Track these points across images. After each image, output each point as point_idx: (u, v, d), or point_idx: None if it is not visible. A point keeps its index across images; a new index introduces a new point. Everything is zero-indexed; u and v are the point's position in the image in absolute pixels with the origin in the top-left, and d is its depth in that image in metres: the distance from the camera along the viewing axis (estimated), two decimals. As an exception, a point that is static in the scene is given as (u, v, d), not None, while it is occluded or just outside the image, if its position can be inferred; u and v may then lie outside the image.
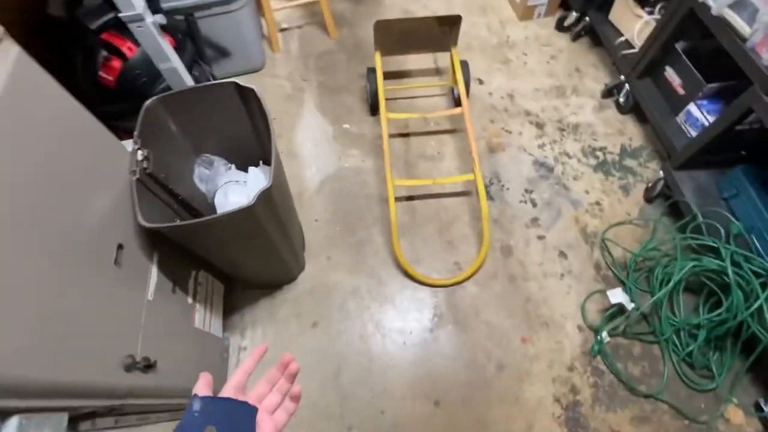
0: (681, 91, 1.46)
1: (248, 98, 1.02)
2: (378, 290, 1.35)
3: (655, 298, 1.20)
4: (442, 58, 1.90)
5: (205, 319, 1.11)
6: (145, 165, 0.87)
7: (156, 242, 0.92)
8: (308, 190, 1.56)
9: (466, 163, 1.60)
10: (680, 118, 1.47)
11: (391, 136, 1.68)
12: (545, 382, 1.20)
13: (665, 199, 1.47)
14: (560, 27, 1.97)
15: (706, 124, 1.36)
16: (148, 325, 0.83)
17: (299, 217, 1.49)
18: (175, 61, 1.08)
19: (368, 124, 1.73)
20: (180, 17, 1.41)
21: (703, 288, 1.23)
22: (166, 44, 1.05)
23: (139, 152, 0.87)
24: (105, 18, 1.27)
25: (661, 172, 1.43)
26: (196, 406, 0.43)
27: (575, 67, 1.87)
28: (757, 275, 1.10)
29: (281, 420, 0.48)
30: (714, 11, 1.19)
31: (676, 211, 1.42)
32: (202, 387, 0.45)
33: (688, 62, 1.40)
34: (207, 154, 1.17)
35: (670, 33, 1.42)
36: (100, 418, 0.76)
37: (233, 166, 1.17)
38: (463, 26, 1.99)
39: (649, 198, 1.49)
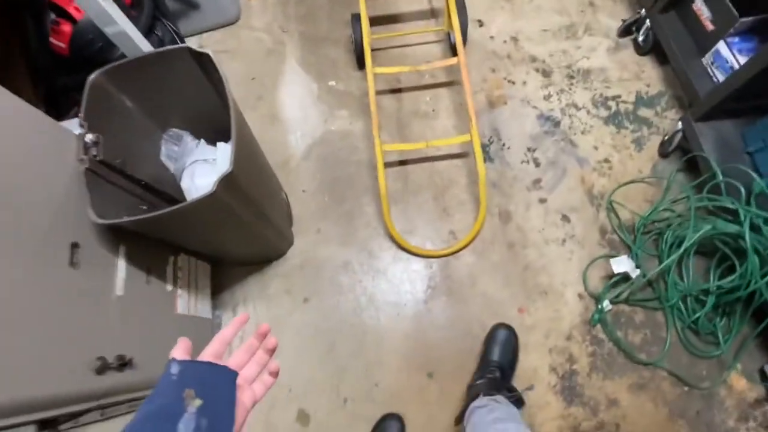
0: (710, 27, 1.26)
1: (206, 64, 0.90)
2: (370, 263, 1.30)
3: (662, 265, 1.13)
4: (438, -3, 1.69)
5: (189, 304, 1.08)
6: (94, 152, 0.78)
7: (121, 234, 0.86)
8: (294, 158, 1.47)
9: (464, 120, 1.46)
10: (707, 59, 1.29)
11: (381, 92, 1.54)
12: (542, 353, 1.18)
13: (683, 153, 1.34)
14: (574, -49, 1.70)
15: (736, 66, 1.19)
16: (119, 322, 0.80)
17: (285, 188, 1.41)
18: (124, 24, 0.95)
19: (356, 79, 1.58)
20: (131, -34, 1.24)
21: (716, 252, 1.15)
22: (110, 3, 0.91)
23: (88, 136, 0.79)
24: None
25: (679, 123, 1.28)
26: (174, 369, 0.41)
27: (589, 0, 1.64)
28: (778, 239, 1.01)
29: (259, 392, 0.47)
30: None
31: (693, 167, 1.29)
32: (181, 351, 0.43)
33: (721, -10, 1.19)
34: (174, 129, 1.07)
35: (703, -45, 1.20)
36: (82, 416, 0.75)
37: (202, 141, 1.07)
38: (462, -46, 1.75)
39: (664, 152, 1.36)
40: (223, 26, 1.70)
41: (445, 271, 1.28)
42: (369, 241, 1.33)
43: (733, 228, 1.06)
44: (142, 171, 0.94)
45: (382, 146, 1.29)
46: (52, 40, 1.18)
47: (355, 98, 1.54)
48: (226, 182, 0.74)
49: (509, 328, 1.15)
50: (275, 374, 0.49)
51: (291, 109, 1.55)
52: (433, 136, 1.46)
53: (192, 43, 1.69)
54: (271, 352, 0.50)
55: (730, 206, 1.09)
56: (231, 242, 1.06)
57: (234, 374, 0.44)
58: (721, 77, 1.24)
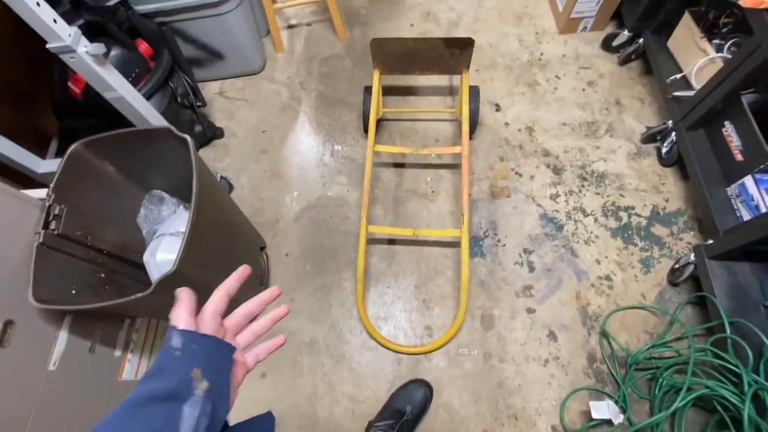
0: (739, 157, 1.16)
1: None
2: (337, 346, 1.24)
3: (651, 420, 1.00)
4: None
5: (139, 369, 1.05)
6: (53, 226, 0.78)
7: (70, 303, 0.85)
8: (285, 218, 1.45)
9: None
10: (732, 190, 1.18)
11: (384, 164, 1.52)
12: (500, 489, 1.06)
13: (695, 285, 1.22)
14: (607, 46, 1.65)
15: (762, 207, 1.08)
16: (45, 399, 0.78)
17: (270, 248, 1.39)
18: (123, 89, 0.98)
19: (361, 146, 1.56)
20: (156, 23, 1.29)
21: (713, 415, 1.01)
22: (109, 72, 0.94)
23: (52, 209, 0.79)
24: (73, 25, 1.18)
25: (692, 255, 1.17)
26: (176, 342, 0.37)
27: (616, 98, 1.56)
28: (785, 421, 0.87)
29: (250, 364, 0.45)
30: (797, 71, 0.90)
31: (704, 303, 1.17)
32: (185, 315, 0.39)
33: (754, 123, 1.10)
34: (157, 191, 1.08)
35: (738, 82, 1.12)
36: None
37: (182, 207, 1.07)
38: (492, 38, 1.75)
39: (673, 281, 1.24)
40: (246, 75, 1.75)
41: (413, 371, 1.20)
42: (340, 321, 1.27)
43: (732, 396, 0.93)
44: (113, 233, 0.94)
45: (368, 227, 1.25)
46: (69, 84, 1.24)
47: (358, 166, 1.52)
48: (167, 283, 0.72)
49: (428, 387, 1.13)
50: (269, 351, 0.47)
51: (293, 167, 1.55)
52: (428, 218, 1.41)
53: (213, 88, 1.74)
54: (275, 321, 0.47)
55: (735, 369, 0.96)
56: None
57: (232, 349, 0.42)
58: (745, 214, 1.13)
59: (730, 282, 1.10)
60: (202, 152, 1.61)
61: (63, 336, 0.83)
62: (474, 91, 1.41)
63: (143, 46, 1.30)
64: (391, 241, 1.38)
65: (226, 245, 1.00)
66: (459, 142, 1.39)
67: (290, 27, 1.89)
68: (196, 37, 1.51)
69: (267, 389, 1.20)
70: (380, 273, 1.34)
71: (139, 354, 1.06)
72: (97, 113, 1.22)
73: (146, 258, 0.91)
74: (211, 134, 1.57)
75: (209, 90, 1.74)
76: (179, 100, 1.38)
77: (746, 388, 0.92)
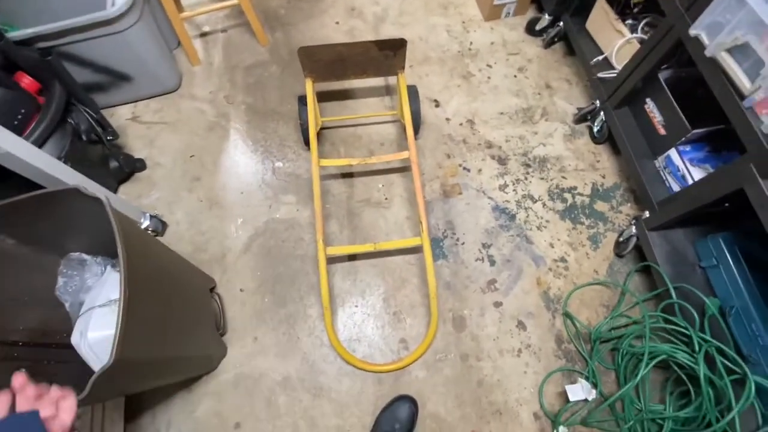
0: (662, 131, 1.25)
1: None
2: (312, 378, 1.18)
3: (617, 394, 1.06)
4: (393, 73, 1.62)
5: (89, 457, 0.92)
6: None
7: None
8: (232, 251, 1.34)
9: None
10: (659, 162, 1.27)
11: (332, 176, 1.44)
12: (495, 486, 1.09)
13: (639, 254, 1.31)
14: (531, 30, 1.69)
15: (688, 177, 1.17)
16: None
17: (220, 287, 1.28)
18: (8, 144, 0.81)
19: (304, 160, 1.48)
20: (38, 51, 1.09)
21: (672, 371, 1.11)
22: (-15, 126, 0.77)
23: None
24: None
25: (633, 228, 1.25)
26: None
27: (546, 82, 1.61)
28: (730, 371, 0.97)
29: (68, 419, 0.51)
30: (708, 52, 0.96)
31: (650, 270, 1.26)
32: None
33: (672, 100, 1.18)
34: (75, 254, 0.92)
35: (655, 63, 1.18)
36: None
37: (108, 267, 0.93)
38: (420, 30, 1.71)
39: (619, 254, 1.32)
40: (160, 95, 1.57)
41: (394, 388, 1.17)
42: (312, 352, 1.21)
43: (686, 357, 1.02)
44: (28, 317, 0.79)
45: (326, 249, 1.19)
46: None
47: (304, 182, 1.44)
48: (106, 377, 0.61)
49: (413, 402, 1.12)
50: (67, 395, 0.53)
51: (232, 192, 1.42)
52: (385, 227, 1.37)
53: (124, 113, 1.54)
54: (38, 396, 0.52)
55: (685, 331, 1.05)
56: (141, 386, 0.92)
57: (35, 414, 0.46)
58: (674, 184, 1.22)
59: (669, 249, 1.19)
60: (123, 189, 1.42)
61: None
62: (412, 91, 1.37)
63: (26, 81, 1.10)
64: (352, 257, 1.33)
65: (172, 303, 0.88)
66: (405, 143, 1.36)
67: (203, 35, 1.71)
68: (94, 59, 1.31)
69: (244, 440, 1.12)
70: (345, 292, 1.28)
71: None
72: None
73: (75, 340, 0.78)
74: (130, 168, 1.39)
75: (120, 116, 1.53)
76: (84, 137, 1.20)
77: (697, 348, 1.01)
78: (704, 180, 1.04)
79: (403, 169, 1.46)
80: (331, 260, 1.31)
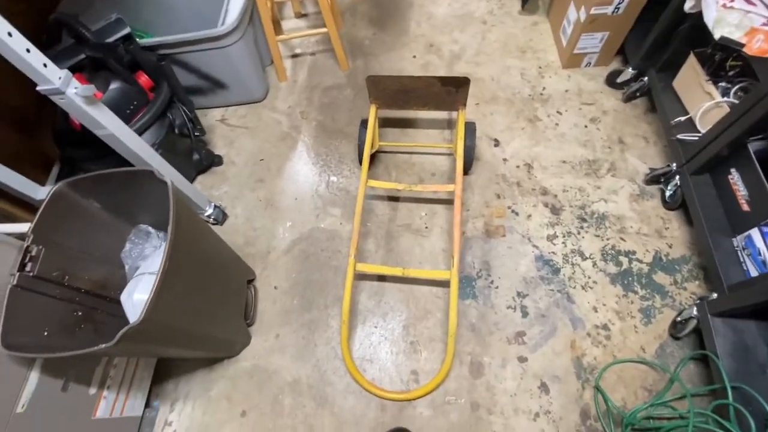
0: (746, 207, 1.10)
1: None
2: (319, 387, 1.21)
3: (642, 491, 0.93)
4: (459, 108, 1.65)
5: (116, 405, 1.04)
6: (29, 267, 0.78)
7: (43, 342, 0.84)
8: (276, 250, 1.44)
9: (455, 245, 1.37)
10: (738, 241, 1.12)
11: (378, 197, 1.50)
12: None
13: (698, 340, 1.15)
14: (611, 83, 1.62)
15: (770, 263, 1.02)
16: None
17: (259, 280, 1.38)
18: (114, 127, 0.99)
19: (357, 179, 1.55)
20: (158, 56, 1.32)
21: (717, 487, 0.94)
22: (99, 110, 0.95)
23: (29, 249, 0.79)
24: (74, 60, 1.22)
25: (695, 309, 1.10)
26: None
27: (619, 136, 1.52)
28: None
29: None
30: (803, 126, 0.85)
31: (708, 360, 1.09)
32: None
33: (761, 172, 1.05)
34: (143, 225, 1.08)
35: (745, 129, 1.07)
36: None
37: (166, 243, 1.07)
38: (494, 71, 1.74)
39: (675, 335, 1.17)
40: (248, 103, 1.78)
41: (396, 419, 1.15)
42: (325, 362, 1.24)
43: (736, 474, 0.86)
44: (94, 270, 0.94)
45: (357, 265, 1.23)
46: (70, 118, 1.27)
47: (352, 198, 1.51)
48: (132, 334, 0.70)
49: None
50: None
51: (288, 197, 1.55)
52: (420, 255, 1.38)
53: (215, 115, 1.77)
54: None
55: (737, 441, 0.89)
56: (173, 351, 1.02)
57: None
58: (751, 268, 1.07)
59: (734, 341, 1.03)
60: (200, 179, 1.62)
61: (34, 377, 0.83)
62: (470, 129, 1.39)
63: (143, 79, 1.32)
64: (381, 278, 1.35)
65: (208, 286, 0.98)
66: (455, 177, 1.37)
67: (294, 56, 1.92)
68: (199, 67, 1.54)
69: (246, 428, 1.17)
70: (368, 311, 1.31)
71: (116, 390, 1.04)
72: (94, 144, 1.24)
73: (123, 298, 0.91)
74: (209, 162, 1.59)
75: (211, 117, 1.76)
76: (177, 130, 1.40)
77: (749, 464, 0.85)
78: (786, 270, 0.90)
79: (449, 201, 1.46)
80: (361, 277, 1.35)
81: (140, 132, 1.25)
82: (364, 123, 1.45)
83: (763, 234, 1.05)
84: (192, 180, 1.58)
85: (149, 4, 1.61)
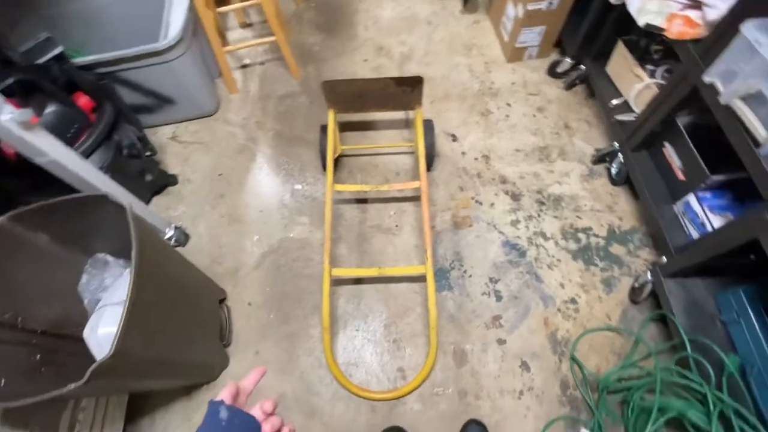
0: (681, 176, 1.22)
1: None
2: (307, 399, 1.19)
3: (623, 448, 1.00)
4: (415, 107, 1.69)
5: (88, 450, 0.96)
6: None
7: (-2, 394, 0.77)
8: (245, 266, 1.40)
9: (426, 240, 1.40)
10: (678, 207, 1.23)
11: (346, 201, 1.50)
12: None
13: (655, 301, 1.25)
14: (552, 73, 1.72)
15: (707, 224, 1.13)
16: None
17: (231, 299, 1.34)
18: (56, 153, 0.92)
19: (322, 185, 1.54)
20: (96, 75, 1.25)
21: (684, 430, 1.02)
22: (38, 136, 0.88)
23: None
24: (2, 84, 1.12)
25: (649, 274, 1.20)
26: (223, 414, 0.47)
27: (564, 123, 1.63)
28: (750, 436, 0.89)
29: None
30: (722, 99, 0.95)
31: (666, 319, 1.19)
32: (228, 396, 0.50)
33: (691, 144, 1.16)
34: (100, 255, 1.01)
35: (672, 107, 1.18)
36: None
37: (128, 270, 1.01)
38: (444, 69, 1.79)
39: (634, 300, 1.27)
40: (199, 118, 1.71)
41: (387, 418, 1.15)
42: (309, 372, 1.22)
43: (700, 417, 0.95)
44: (50, 308, 0.87)
45: (332, 270, 1.22)
46: (2, 146, 1.16)
47: (319, 204, 1.50)
48: (103, 370, 0.66)
49: (481, 425, 1.10)
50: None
51: (252, 210, 1.51)
52: (393, 253, 1.39)
53: (166, 132, 1.69)
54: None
55: (699, 389, 0.98)
56: (142, 385, 0.96)
57: (260, 427, 0.50)
58: (693, 231, 1.18)
59: (686, 298, 1.13)
60: (156, 201, 1.54)
61: (-10, 433, 0.75)
62: (428, 126, 1.43)
63: (83, 100, 1.24)
64: (358, 281, 1.35)
65: (178, 310, 0.94)
66: (419, 174, 1.39)
67: (244, 67, 1.88)
68: (143, 84, 1.47)
69: (234, 454, 1.12)
70: (348, 315, 1.30)
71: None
72: (34, 173, 1.14)
73: (86, 334, 0.84)
74: (163, 182, 1.51)
75: (161, 135, 1.68)
76: (126, 151, 1.32)
77: (711, 407, 0.93)
78: (722, 228, 1.00)
79: (415, 198, 1.49)
80: (338, 282, 1.34)
81: (85, 156, 1.18)
82: (323, 129, 1.45)
83: (699, 199, 1.16)
84: (147, 202, 1.50)
85: (81, 22, 1.52)
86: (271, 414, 0.53)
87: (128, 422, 1.13)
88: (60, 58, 1.18)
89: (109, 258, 1.01)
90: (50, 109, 1.15)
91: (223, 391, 0.50)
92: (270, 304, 1.33)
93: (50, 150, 0.90)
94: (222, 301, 1.31)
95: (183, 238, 1.42)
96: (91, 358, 0.88)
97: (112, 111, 1.26)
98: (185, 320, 0.98)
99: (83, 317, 0.94)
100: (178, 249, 1.42)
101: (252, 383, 0.55)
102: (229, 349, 1.26)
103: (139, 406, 1.17)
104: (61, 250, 0.93)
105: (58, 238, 0.91)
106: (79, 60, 1.30)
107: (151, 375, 0.88)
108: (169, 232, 1.37)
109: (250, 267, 1.39)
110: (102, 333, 0.84)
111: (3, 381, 0.74)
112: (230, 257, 1.41)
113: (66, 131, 1.17)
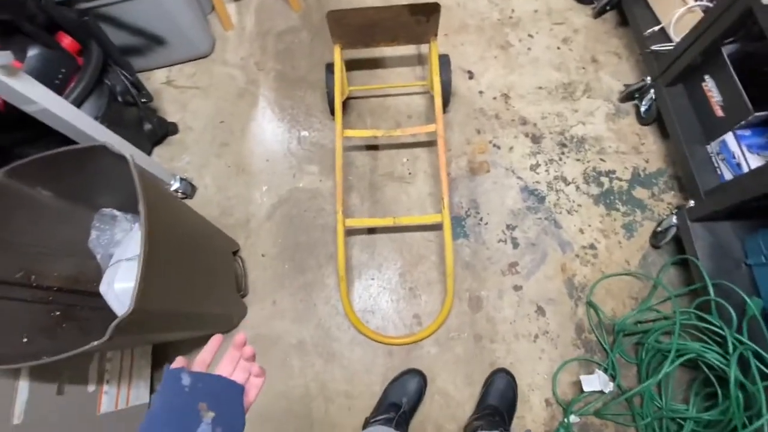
0: (719, 113, 1.12)
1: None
2: (325, 344, 1.21)
3: (639, 388, 1.02)
4: (427, 41, 1.55)
5: (119, 398, 1.00)
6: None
7: (25, 349, 0.77)
8: (256, 217, 1.37)
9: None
10: (712, 147, 1.15)
11: (356, 148, 1.43)
12: (499, 466, 1.09)
13: (677, 245, 1.22)
14: (580, -3, 1.55)
15: (743, 164, 1.06)
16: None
17: (244, 251, 1.32)
18: (45, 100, 0.85)
19: (330, 130, 1.46)
20: (77, 11, 1.12)
21: (699, 371, 1.04)
22: (24, 82, 0.80)
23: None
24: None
25: (674, 218, 1.15)
26: (186, 380, 0.44)
27: (592, 55, 1.49)
28: (765, 377, 0.90)
29: (252, 395, 0.52)
30: (783, 21, 0.84)
31: (687, 263, 1.17)
32: (181, 364, 0.47)
33: (735, 77, 1.05)
34: (107, 209, 0.97)
35: (720, 33, 1.05)
36: None
37: (138, 223, 0.97)
38: (460, -3, 1.61)
39: (656, 244, 1.24)
40: (194, 59, 1.59)
41: (405, 362, 1.18)
42: (327, 319, 1.24)
43: (718, 359, 0.95)
44: (63, 265, 0.85)
45: (345, 221, 1.19)
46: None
47: (328, 152, 1.43)
48: (126, 324, 0.65)
49: (509, 374, 1.12)
50: (262, 374, 0.54)
51: (258, 159, 1.44)
52: (407, 202, 1.35)
53: (159, 77, 1.58)
54: (252, 358, 0.53)
55: (719, 331, 0.97)
56: (163, 336, 0.98)
57: (241, 388, 0.49)
58: (726, 172, 1.11)
59: (711, 242, 1.10)
60: (157, 152, 1.47)
61: (23, 386, 0.77)
62: (444, 61, 1.31)
63: (67, 41, 1.14)
64: (371, 230, 1.32)
65: (193, 262, 0.92)
66: (433, 116, 1.31)
67: (237, 0, 1.70)
68: (130, 22, 1.34)
69: (259, 396, 1.17)
70: (363, 265, 1.29)
71: (116, 384, 1.00)
72: (25, 125, 1.08)
73: (103, 289, 0.83)
74: (163, 131, 1.44)
75: (155, 80, 1.57)
76: (120, 98, 1.24)
77: (731, 349, 0.94)
78: (761, 168, 0.94)
79: (430, 143, 1.41)
80: (351, 232, 1.31)
81: (77, 104, 1.09)
82: (329, 68, 1.34)
83: (737, 137, 1.08)
84: (149, 153, 1.43)
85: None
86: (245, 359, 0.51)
87: (155, 368, 1.17)
88: (34, -9, 1.06)
89: (117, 212, 0.98)
90: (33, 52, 1.05)
91: (175, 361, 0.47)
92: (284, 255, 1.31)
93: (39, 97, 0.83)
94: (236, 252, 1.30)
95: (190, 189, 1.37)
96: (110, 312, 0.88)
97: (99, 53, 1.16)
98: (200, 272, 0.97)
99: (98, 273, 0.93)
100: (186, 201, 1.39)
101: (210, 354, 0.51)
102: (247, 299, 1.27)
103: (163, 354, 1.20)
104: (65, 206, 0.89)
105: (60, 193, 0.87)
106: (56, -6, 1.16)
107: (171, 327, 0.88)
108: (175, 184, 1.33)
109: (261, 218, 1.36)
110: (120, 288, 0.83)
111: (26, 338, 0.74)
112: (240, 208, 1.38)
113: (54, 77, 1.08)
